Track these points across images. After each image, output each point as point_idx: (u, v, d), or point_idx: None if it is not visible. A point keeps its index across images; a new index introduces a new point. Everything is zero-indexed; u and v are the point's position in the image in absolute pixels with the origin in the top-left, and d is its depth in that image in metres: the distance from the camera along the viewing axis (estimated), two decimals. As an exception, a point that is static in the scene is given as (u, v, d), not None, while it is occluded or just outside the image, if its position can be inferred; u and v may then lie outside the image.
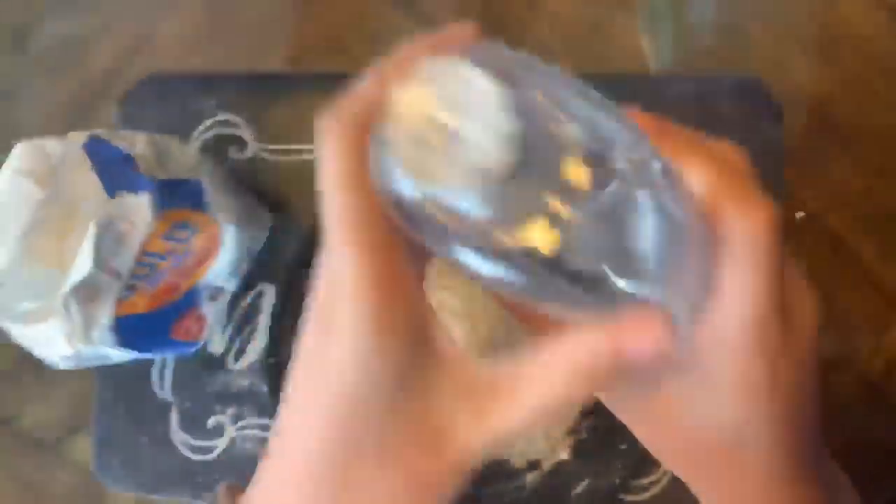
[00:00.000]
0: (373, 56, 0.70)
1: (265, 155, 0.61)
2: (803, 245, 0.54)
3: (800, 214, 0.54)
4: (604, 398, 0.31)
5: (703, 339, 0.25)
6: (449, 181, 0.22)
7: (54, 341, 0.45)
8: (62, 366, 0.49)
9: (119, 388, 0.61)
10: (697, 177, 0.24)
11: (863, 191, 0.54)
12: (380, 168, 0.23)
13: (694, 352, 0.25)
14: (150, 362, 0.60)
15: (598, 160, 0.22)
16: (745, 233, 0.24)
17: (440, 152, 0.22)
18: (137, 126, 0.62)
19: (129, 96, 0.63)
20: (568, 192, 0.22)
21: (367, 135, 0.24)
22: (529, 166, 0.22)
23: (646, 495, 0.53)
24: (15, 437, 0.63)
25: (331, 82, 0.59)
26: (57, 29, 0.66)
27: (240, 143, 0.61)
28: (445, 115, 0.22)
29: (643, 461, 0.52)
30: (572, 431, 0.55)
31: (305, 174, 0.60)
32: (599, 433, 0.54)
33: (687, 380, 0.26)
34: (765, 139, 0.55)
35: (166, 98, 0.62)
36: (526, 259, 0.22)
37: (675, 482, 0.53)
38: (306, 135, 0.60)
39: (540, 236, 0.22)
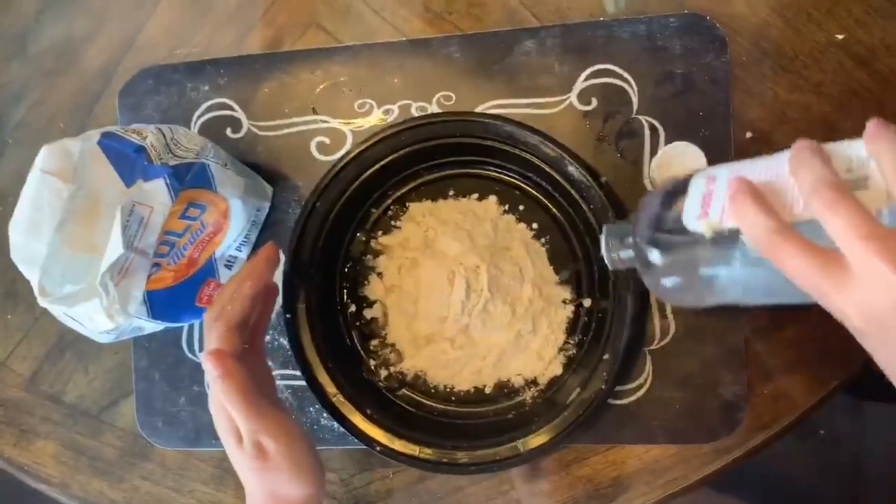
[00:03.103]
0: (345, 29, 0.76)
1: (258, 132, 0.66)
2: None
3: (749, 134, 0.59)
4: None
5: None
6: None
7: (96, 318, 0.51)
8: (103, 340, 0.55)
9: (153, 356, 0.67)
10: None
11: (803, 107, 0.59)
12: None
13: None
14: (179, 330, 0.67)
15: None
16: None
17: None
18: (138, 116, 0.67)
19: (126, 90, 0.68)
20: None
21: (236, 336, 0.51)
22: None
23: (632, 398, 0.60)
24: (63, 410, 0.70)
25: (309, 57, 0.64)
26: (52, 33, 0.71)
27: (234, 123, 0.66)
28: None
29: (624, 369, 0.58)
30: (561, 349, 0.61)
31: (295, 146, 0.65)
32: (584, 347, 0.61)
33: None
34: (712, 69, 0.60)
35: (162, 88, 0.67)
36: None
37: (655, 385, 0.59)
38: (292, 109, 0.65)
39: None
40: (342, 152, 0.64)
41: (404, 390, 0.64)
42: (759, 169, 0.40)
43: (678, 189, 0.43)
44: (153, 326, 0.58)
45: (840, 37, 0.59)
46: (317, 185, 0.61)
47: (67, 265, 0.51)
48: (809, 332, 0.58)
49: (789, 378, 0.59)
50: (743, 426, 0.59)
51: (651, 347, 0.60)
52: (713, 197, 0.40)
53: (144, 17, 0.69)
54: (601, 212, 0.57)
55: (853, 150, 0.38)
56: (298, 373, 0.62)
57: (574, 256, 0.62)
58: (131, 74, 0.68)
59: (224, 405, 0.50)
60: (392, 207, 0.65)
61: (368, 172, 0.62)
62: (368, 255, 0.65)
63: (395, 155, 0.62)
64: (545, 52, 0.62)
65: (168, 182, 0.51)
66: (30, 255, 0.51)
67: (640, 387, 0.60)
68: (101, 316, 0.51)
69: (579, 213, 0.60)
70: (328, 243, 0.62)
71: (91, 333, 0.54)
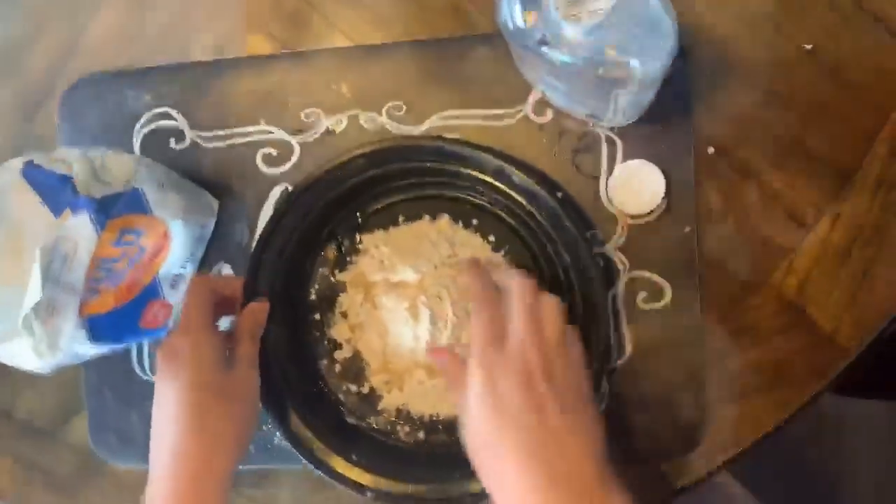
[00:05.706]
0: (292, 35, 0.72)
1: (202, 142, 0.63)
2: (716, 178, 0.57)
3: (711, 150, 0.57)
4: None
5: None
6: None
7: (24, 357, 0.50)
8: (42, 372, 0.53)
9: (104, 374, 0.66)
10: None
11: (768, 122, 0.56)
12: None
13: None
14: (129, 347, 0.65)
15: None
16: None
17: None
18: (79, 126, 0.64)
19: (66, 99, 0.65)
20: None
21: (209, 302, 0.54)
22: None
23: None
24: (15, 426, 0.69)
25: (254, 65, 0.61)
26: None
27: (177, 133, 0.63)
28: None
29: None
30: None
31: (241, 157, 0.63)
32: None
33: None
34: (673, 82, 0.56)
35: (103, 97, 0.65)
36: None
37: (612, 406, 0.58)
38: (238, 118, 0.63)
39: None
40: (284, 170, 0.61)
41: (388, 426, 0.62)
42: None
43: None
44: (95, 351, 0.56)
45: (808, 47, 0.56)
46: (259, 236, 0.59)
47: (-7, 301, 0.49)
48: (770, 354, 0.57)
49: (748, 401, 0.57)
50: (702, 447, 0.57)
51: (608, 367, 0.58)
52: None
53: (85, 22, 0.66)
54: (554, 219, 0.56)
55: None
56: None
57: (537, 264, 0.60)
58: (71, 83, 0.65)
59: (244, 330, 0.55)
60: (344, 243, 0.62)
61: (313, 214, 0.60)
62: (329, 296, 0.63)
63: (341, 188, 0.59)
64: (499, 61, 0.59)
65: (93, 217, 0.49)
66: (-49, 292, 0.49)
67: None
68: (29, 354, 0.50)
69: (534, 221, 0.58)
70: (285, 293, 0.60)
71: (25, 368, 0.52)
